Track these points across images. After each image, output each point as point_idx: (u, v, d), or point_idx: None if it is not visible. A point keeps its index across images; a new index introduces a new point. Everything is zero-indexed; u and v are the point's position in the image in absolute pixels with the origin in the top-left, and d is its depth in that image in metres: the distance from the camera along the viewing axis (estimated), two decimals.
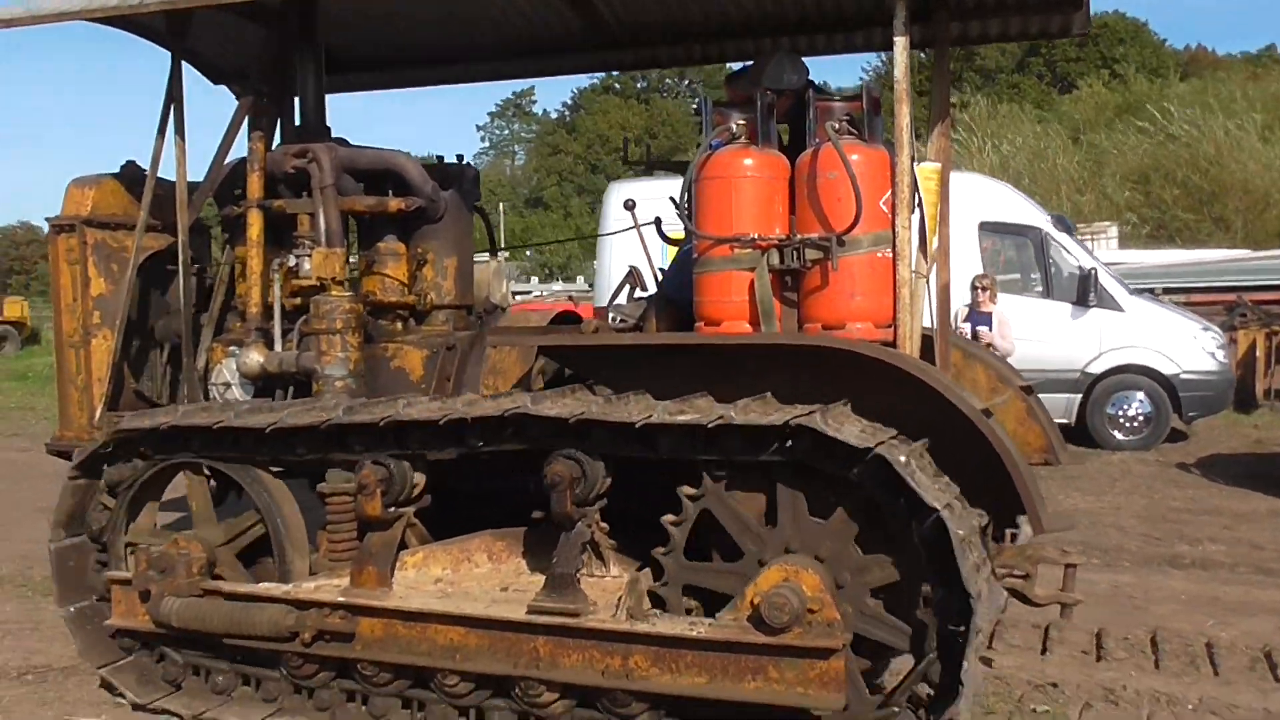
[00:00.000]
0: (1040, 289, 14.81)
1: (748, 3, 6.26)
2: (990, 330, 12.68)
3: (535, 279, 37.12)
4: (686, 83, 62.84)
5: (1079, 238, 16.42)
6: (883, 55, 34.42)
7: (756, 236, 5.11)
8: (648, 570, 4.91)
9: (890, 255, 5.08)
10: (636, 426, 4.52)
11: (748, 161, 5.20)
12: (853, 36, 6.49)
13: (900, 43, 5.01)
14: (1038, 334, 13.97)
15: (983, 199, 14.93)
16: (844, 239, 5.02)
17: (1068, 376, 14.50)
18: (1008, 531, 5.33)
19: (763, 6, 6.27)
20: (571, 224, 52.11)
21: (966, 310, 12.94)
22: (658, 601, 4.84)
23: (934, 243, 5.42)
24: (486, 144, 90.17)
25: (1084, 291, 14.43)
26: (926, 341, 5.54)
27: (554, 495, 4.74)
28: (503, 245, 9.01)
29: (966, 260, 14.33)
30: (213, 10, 5.66)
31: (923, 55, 7.16)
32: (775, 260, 5.11)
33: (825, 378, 4.81)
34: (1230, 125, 33.68)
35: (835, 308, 5.12)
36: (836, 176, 5.01)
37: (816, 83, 5.83)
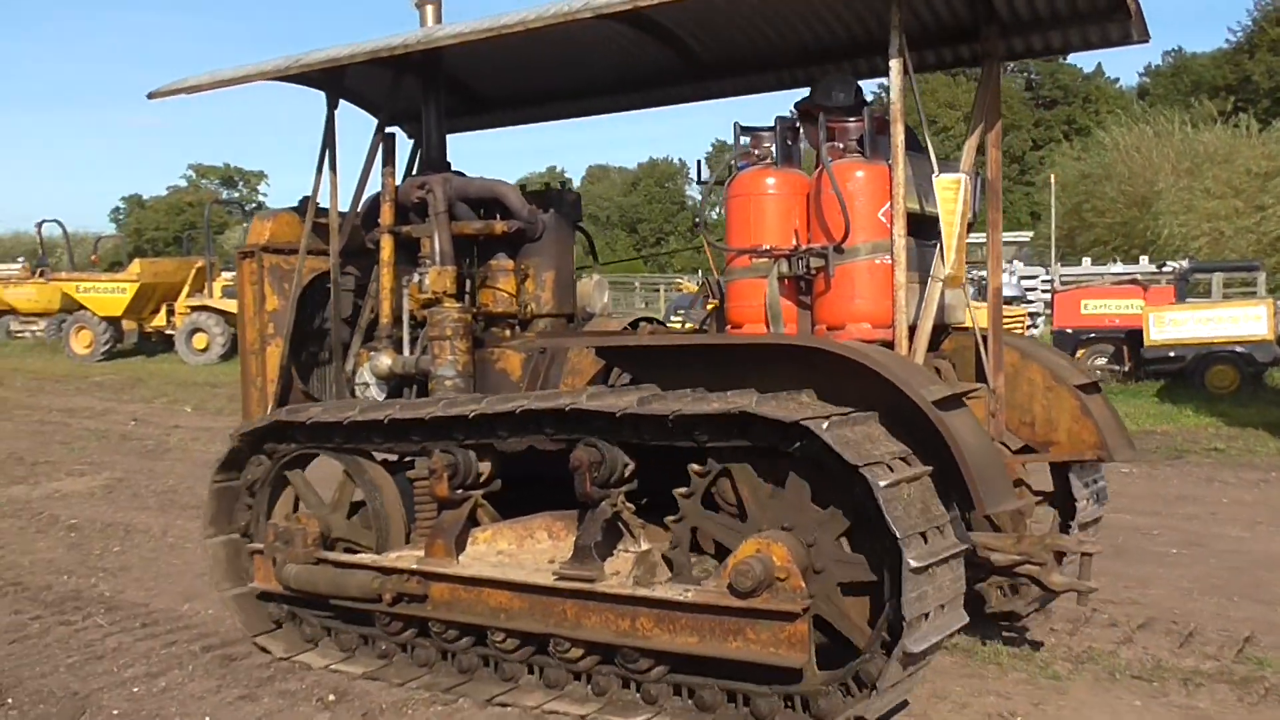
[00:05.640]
0: None
1: (823, 32, 6.76)
2: None
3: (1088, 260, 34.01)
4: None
5: None
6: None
7: (770, 247, 5.71)
8: (663, 545, 5.58)
9: (890, 262, 5.56)
10: (617, 417, 5.23)
11: (769, 181, 5.81)
12: (925, 55, 6.84)
13: (895, 66, 5.46)
14: None
15: None
16: (841, 248, 5.56)
17: None
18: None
19: (834, 35, 6.75)
20: None
21: None
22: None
23: (952, 249, 5.75)
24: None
25: None
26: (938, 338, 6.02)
27: (576, 477, 5.48)
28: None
29: None
30: (362, 64, 6.63)
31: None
32: (785, 268, 5.70)
33: (822, 373, 5.33)
34: None
35: (836, 310, 5.67)
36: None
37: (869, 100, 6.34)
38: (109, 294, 30.37)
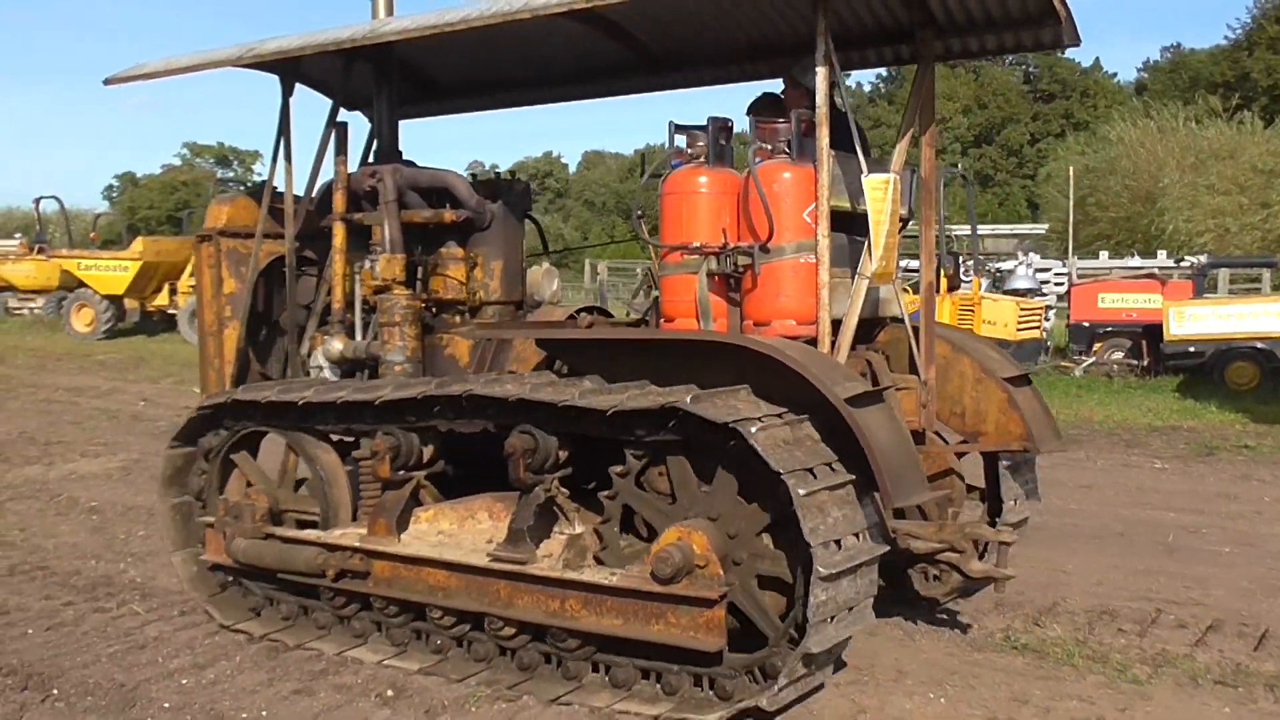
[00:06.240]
0: None
1: (768, 28, 6.94)
2: None
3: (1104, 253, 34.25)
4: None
5: None
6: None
7: (700, 245, 5.90)
8: (593, 529, 5.78)
9: (814, 261, 5.74)
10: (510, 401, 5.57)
11: (701, 179, 6.01)
12: (867, 54, 7.00)
13: (821, 72, 5.65)
14: None
15: None
16: (767, 247, 5.75)
17: None
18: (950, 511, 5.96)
19: (778, 29, 6.92)
20: None
21: None
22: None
23: (880, 247, 5.90)
24: None
25: None
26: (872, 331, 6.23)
27: (510, 463, 5.67)
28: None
29: None
30: (315, 54, 6.81)
31: None
32: (714, 265, 5.89)
33: (748, 369, 5.50)
34: None
35: (763, 308, 5.88)
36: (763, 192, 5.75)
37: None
38: (111, 272, 30.44)
